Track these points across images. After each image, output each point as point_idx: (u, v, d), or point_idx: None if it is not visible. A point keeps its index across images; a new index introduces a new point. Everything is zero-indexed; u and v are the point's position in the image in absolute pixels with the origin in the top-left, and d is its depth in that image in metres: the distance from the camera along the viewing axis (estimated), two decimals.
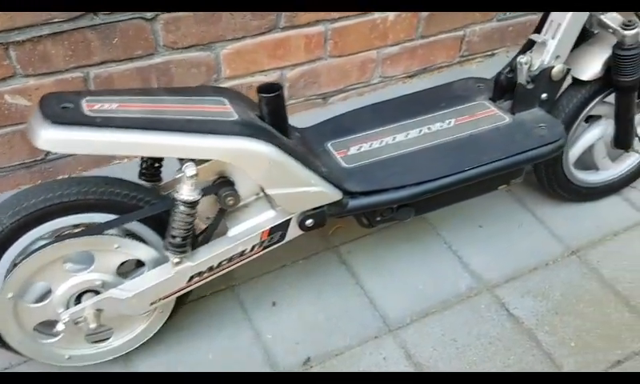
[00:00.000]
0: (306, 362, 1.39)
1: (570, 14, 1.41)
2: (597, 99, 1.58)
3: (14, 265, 1.12)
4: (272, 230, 1.21)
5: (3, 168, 1.74)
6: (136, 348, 1.34)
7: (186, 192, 1.07)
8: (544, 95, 1.50)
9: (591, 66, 1.50)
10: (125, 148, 1.04)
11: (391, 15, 2.06)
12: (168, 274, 1.15)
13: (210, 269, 1.19)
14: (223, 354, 1.40)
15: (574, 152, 1.71)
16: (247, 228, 1.20)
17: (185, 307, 1.46)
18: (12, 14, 1.48)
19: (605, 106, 1.62)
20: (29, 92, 1.63)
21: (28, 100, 1.64)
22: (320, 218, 1.26)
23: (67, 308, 1.18)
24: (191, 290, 1.28)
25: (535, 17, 2.40)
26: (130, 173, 1.29)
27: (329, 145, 1.40)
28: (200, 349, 1.42)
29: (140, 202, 1.16)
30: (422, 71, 2.32)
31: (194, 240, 1.21)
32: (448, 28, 2.24)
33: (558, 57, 1.46)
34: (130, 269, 1.25)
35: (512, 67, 1.50)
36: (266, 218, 1.21)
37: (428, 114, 1.50)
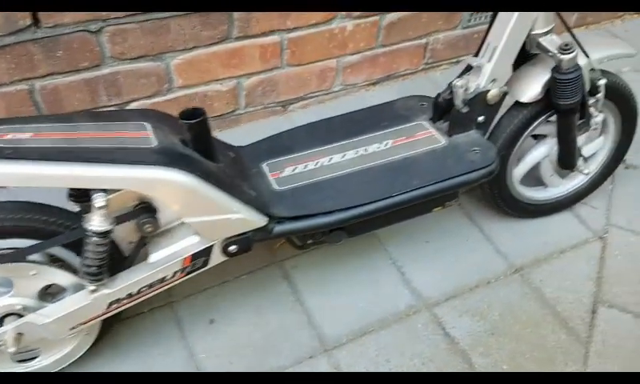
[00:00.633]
0: None
1: (505, 37, 1.40)
2: (539, 120, 1.57)
3: None
4: (194, 257, 1.22)
5: None
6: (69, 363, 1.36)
7: (96, 222, 1.07)
8: (480, 118, 1.49)
9: (531, 88, 1.49)
10: (33, 180, 1.04)
11: (349, 25, 2.05)
12: (86, 301, 1.16)
13: (130, 295, 1.20)
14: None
15: (520, 170, 1.71)
16: (168, 254, 1.21)
17: (123, 323, 1.47)
18: None
19: (549, 125, 1.61)
20: None
21: None
22: (245, 244, 1.26)
23: None
24: (128, 308, 1.29)
25: None
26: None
27: (264, 165, 1.40)
28: (133, 366, 1.43)
29: (60, 228, 1.17)
30: (385, 79, 2.31)
31: (118, 264, 1.21)
32: (410, 36, 2.23)
33: (494, 80, 1.45)
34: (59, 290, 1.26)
35: (451, 89, 1.49)
36: (187, 245, 1.22)
37: (367, 134, 1.50)
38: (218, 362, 1.45)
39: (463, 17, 2.31)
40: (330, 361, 1.47)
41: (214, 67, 1.90)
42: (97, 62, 1.71)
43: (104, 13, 1.61)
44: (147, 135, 1.16)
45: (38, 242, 1.15)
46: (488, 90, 1.45)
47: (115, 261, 1.19)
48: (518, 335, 1.54)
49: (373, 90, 2.31)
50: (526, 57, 1.53)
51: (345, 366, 1.46)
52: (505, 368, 1.48)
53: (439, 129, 1.53)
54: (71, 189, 1.27)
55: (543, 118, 1.57)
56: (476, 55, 1.47)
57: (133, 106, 1.85)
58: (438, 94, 1.52)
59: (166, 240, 1.21)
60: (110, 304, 1.19)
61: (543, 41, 1.43)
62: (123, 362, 1.43)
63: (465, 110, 1.46)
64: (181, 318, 1.54)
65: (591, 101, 1.53)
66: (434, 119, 1.55)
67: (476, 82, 1.45)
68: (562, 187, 1.81)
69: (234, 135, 2.08)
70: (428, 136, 1.49)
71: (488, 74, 1.44)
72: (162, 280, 1.21)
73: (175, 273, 1.22)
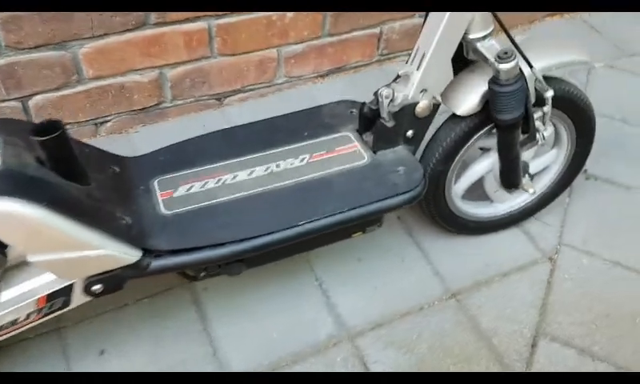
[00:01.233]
0: None
1: (434, 42, 1.21)
2: (479, 133, 1.39)
3: None
4: (50, 297, 1.05)
5: None
6: None
7: None
8: (409, 132, 1.31)
9: (467, 100, 1.31)
10: None
11: (289, 12, 1.85)
12: None
13: None
14: None
15: (461, 185, 1.54)
16: (19, 294, 1.04)
17: (6, 350, 1.31)
18: None
19: (493, 137, 1.44)
20: None
21: None
22: (113, 283, 1.09)
23: None
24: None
25: None
26: None
27: (155, 182, 1.23)
28: None
29: None
30: (335, 71, 2.12)
31: None
32: (362, 25, 2.04)
33: (424, 91, 1.27)
34: None
35: (377, 98, 1.31)
36: (42, 283, 1.05)
37: (284, 147, 1.32)
38: None
39: None
40: None
41: (130, 56, 1.70)
42: None
43: None
44: None
45: None
46: (417, 102, 1.27)
47: None
48: (446, 372, 1.39)
49: (321, 82, 2.12)
50: (466, 62, 1.34)
51: None
52: None
53: (366, 142, 1.35)
54: None
55: (484, 131, 1.39)
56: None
57: (36, 99, 1.66)
58: (364, 103, 1.34)
59: (17, 278, 1.04)
60: None
61: (480, 46, 1.25)
62: None
63: (390, 123, 1.28)
64: (68, 347, 1.37)
65: (537, 114, 1.35)
66: (360, 130, 1.37)
67: (403, 93, 1.27)
68: (509, 203, 1.64)
69: (161, 130, 1.90)
70: (350, 151, 1.32)
71: (416, 83, 1.25)
72: (14, 322, 1.04)
73: (29, 314, 1.05)
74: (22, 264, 1.06)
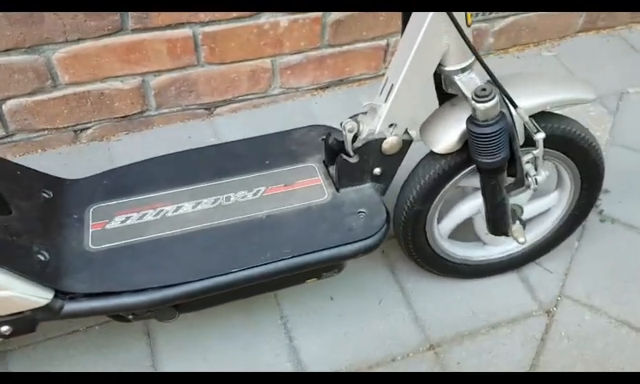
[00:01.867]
0: None
1: (403, 73, 1.06)
2: (461, 173, 1.23)
3: None
4: None
5: None
6: None
7: None
8: (377, 170, 1.17)
9: (445, 138, 1.16)
10: None
11: (283, 20, 1.72)
12: None
13: None
14: None
15: (445, 226, 1.38)
16: None
17: None
18: None
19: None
20: None
21: None
22: (23, 325, 1.00)
23: None
24: None
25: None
26: None
27: (91, 210, 1.13)
28: None
29: None
30: (337, 83, 1.98)
31: None
32: (365, 37, 1.89)
33: (392, 125, 1.12)
34: None
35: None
36: None
37: (239, 176, 1.21)
38: None
39: None
40: None
41: (108, 62, 1.62)
42: None
43: None
44: None
45: None
46: (383, 138, 1.12)
47: None
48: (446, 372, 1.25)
49: (321, 94, 1.99)
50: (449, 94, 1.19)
51: None
52: None
53: (331, 176, 1.21)
54: None
55: (466, 171, 1.23)
56: None
57: (10, 104, 1.60)
58: (329, 134, 1.20)
59: None
60: None
61: (458, 80, 1.09)
62: None
63: (354, 159, 1.14)
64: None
65: (527, 156, 1.18)
66: (327, 162, 1.23)
67: (369, 127, 1.12)
68: (504, 246, 1.46)
69: (145, 139, 1.82)
70: (311, 186, 1.18)
71: (383, 117, 1.11)
72: None
73: None
74: None
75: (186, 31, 1.65)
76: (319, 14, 1.76)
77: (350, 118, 1.15)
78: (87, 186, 1.16)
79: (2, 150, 1.67)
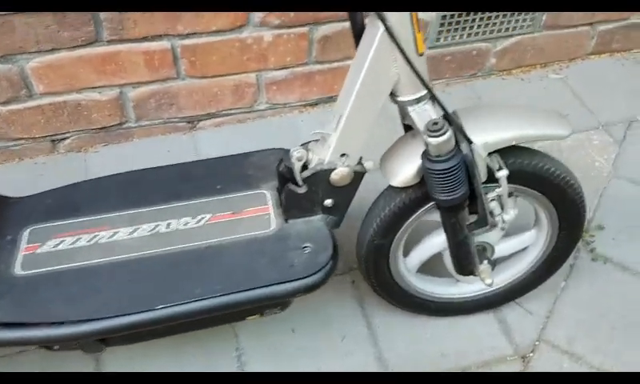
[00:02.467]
0: None
1: (350, 105, 0.99)
2: (423, 208, 1.15)
3: None
4: None
5: None
6: None
7: None
8: (328, 201, 1.10)
9: (402, 171, 1.08)
10: None
11: (267, 34, 1.67)
12: None
13: None
14: None
15: (412, 260, 1.30)
16: None
17: None
18: None
19: None
20: None
21: None
22: None
23: None
24: None
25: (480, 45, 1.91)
26: None
27: (27, 231, 1.09)
28: None
29: None
30: (326, 100, 1.92)
31: None
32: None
33: (344, 155, 1.05)
34: None
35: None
36: None
37: (186, 201, 1.15)
38: None
39: (429, 35, 1.86)
40: None
41: (83, 73, 1.59)
42: None
43: None
44: None
45: None
46: (332, 169, 1.05)
47: None
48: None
49: (309, 111, 1.93)
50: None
51: None
52: None
53: (282, 205, 1.15)
54: None
55: (428, 205, 1.15)
56: None
57: None
58: (281, 159, 1.14)
59: None
60: None
61: (412, 111, 1.01)
62: None
63: (302, 190, 1.07)
64: None
65: (492, 194, 1.09)
66: (280, 190, 1.17)
67: (319, 156, 1.06)
68: (479, 284, 1.37)
69: (124, 151, 1.79)
70: (258, 216, 1.12)
71: (333, 147, 1.04)
72: None
73: None
74: None
75: (163, 44, 1.61)
76: (305, 29, 1.70)
77: (301, 145, 1.09)
78: (28, 205, 1.13)
79: None
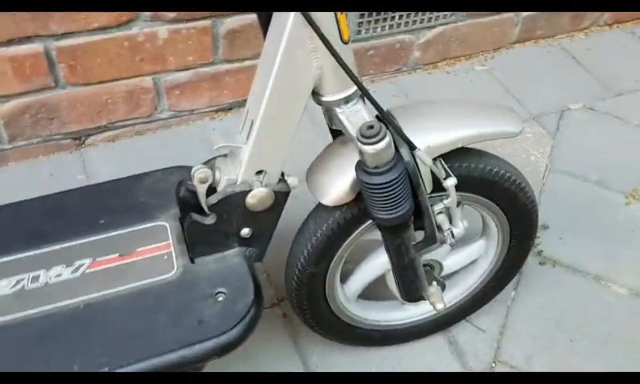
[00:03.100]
0: None
1: (263, 106, 0.77)
2: (362, 227, 0.96)
3: None
4: None
5: None
6: None
7: None
8: (245, 231, 0.87)
9: (334, 187, 0.88)
10: None
11: (161, 30, 1.42)
12: None
13: None
14: None
15: (352, 287, 1.10)
16: None
17: None
18: None
19: None
20: None
21: None
22: None
23: None
24: None
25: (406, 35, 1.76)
26: None
27: None
28: None
29: None
30: (241, 104, 1.69)
31: None
32: None
33: (261, 173, 0.83)
34: None
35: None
36: None
37: (60, 243, 0.89)
38: None
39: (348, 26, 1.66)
40: None
41: None
42: None
43: None
44: None
45: None
46: (247, 191, 0.83)
47: None
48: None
49: (222, 117, 1.70)
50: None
51: None
52: None
53: (186, 241, 0.91)
54: None
55: (367, 225, 0.95)
56: None
57: None
58: (181, 182, 0.90)
59: None
60: None
61: (340, 113, 0.81)
62: None
63: (210, 220, 0.84)
64: None
65: (439, 206, 0.91)
66: (183, 219, 0.93)
67: (229, 176, 0.83)
68: (427, 305, 1.19)
69: None
70: (156, 256, 0.88)
71: (245, 163, 0.82)
72: None
73: None
74: None
75: (34, 47, 1.33)
76: (207, 23, 1.47)
77: (204, 163, 0.86)
78: None
79: None
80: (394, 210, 0.82)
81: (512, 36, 1.98)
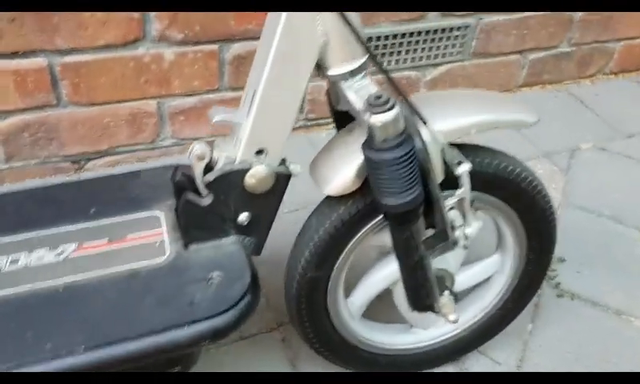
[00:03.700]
0: None
1: (265, 76, 0.73)
2: (369, 225, 0.89)
3: None
4: None
5: None
6: None
7: None
8: (242, 216, 0.82)
9: (338, 173, 0.82)
10: None
11: (167, 52, 1.41)
12: None
13: None
14: None
15: (356, 300, 1.02)
16: None
17: None
18: None
19: None
20: None
21: None
22: None
23: None
24: None
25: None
26: None
27: None
28: None
29: None
30: None
31: None
32: None
33: (261, 152, 0.78)
34: None
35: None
36: None
37: (47, 229, 0.83)
38: None
39: None
40: None
41: None
42: None
43: None
44: None
45: None
46: (246, 169, 0.78)
47: None
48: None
49: None
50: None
51: None
52: None
53: (180, 226, 0.85)
54: None
55: (375, 221, 0.89)
56: None
57: None
58: (176, 168, 0.85)
59: None
60: None
61: (347, 88, 0.77)
62: None
63: (207, 200, 0.79)
64: None
65: (450, 200, 0.85)
66: (177, 210, 0.87)
67: (227, 153, 0.78)
68: (436, 329, 1.10)
69: None
70: (147, 242, 0.82)
71: (246, 138, 0.77)
72: None
73: None
74: None
75: (39, 61, 1.31)
76: (214, 47, 1.46)
77: (201, 141, 0.81)
78: None
79: None
80: (403, 194, 0.77)
81: (519, 78, 1.98)
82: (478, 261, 1.07)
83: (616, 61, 2.10)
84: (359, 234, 0.91)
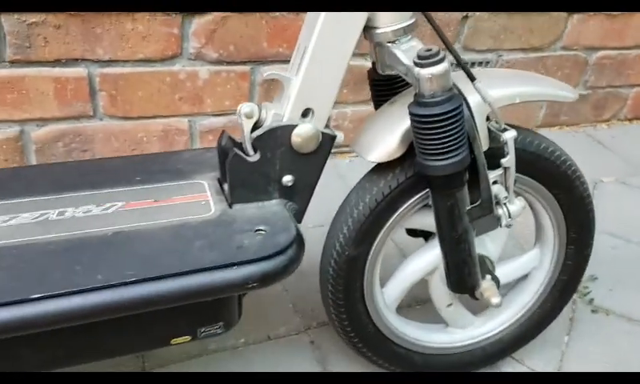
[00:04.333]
0: None
1: (317, 30, 0.76)
2: (410, 201, 0.89)
3: None
4: None
5: None
6: None
7: None
8: (287, 178, 0.82)
9: (382, 140, 0.83)
10: None
11: (202, 70, 1.46)
12: None
13: None
14: None
15: (391, 290, 1.00)
16: None
17: None
18: None
19: None
20: None
21: None
22: None
23: None
24: None
25: None
26: None
27: None
28: None
29: None
30: None
31: None
32: None
33: (309, 112, 0.80)
34: None
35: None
36: None
37: (88, 191, 0.83)
38: None
39: None
40: None
41: None
42: None
43: None
44: None
45: None
46: (294, 126, 0.79)
47: None
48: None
49: None
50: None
51: None
52: None
53: (224, 193, 0.86)
54: None
55: (419, 196, 0.89)
56: None
57: None
58: (223, 132, 0.87)
59: None
60: None
61: (395, 48, 0.79)
62: None
63: (254, 157, 0.80)
64: None
65: (494, 173, 0.85)
66: (222, 178, 0.88)
67: (275, 111, 0.80)
68: (472, 329, 1.08)
69: None
70: (193, 202, 0.82)
71: (294, 96, 0.79)
72: None
73: None
74: None
75: (79, 70, 1.36)
76: (247, 68, 1.51)
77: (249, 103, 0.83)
78: None
79: None
80: (449, 154, 0.77)
81: (537, 119, 2.02)
82: (517, 256, 1.06)
83: (630, 107, 2.15)
84: (399, 211, 0.90)
